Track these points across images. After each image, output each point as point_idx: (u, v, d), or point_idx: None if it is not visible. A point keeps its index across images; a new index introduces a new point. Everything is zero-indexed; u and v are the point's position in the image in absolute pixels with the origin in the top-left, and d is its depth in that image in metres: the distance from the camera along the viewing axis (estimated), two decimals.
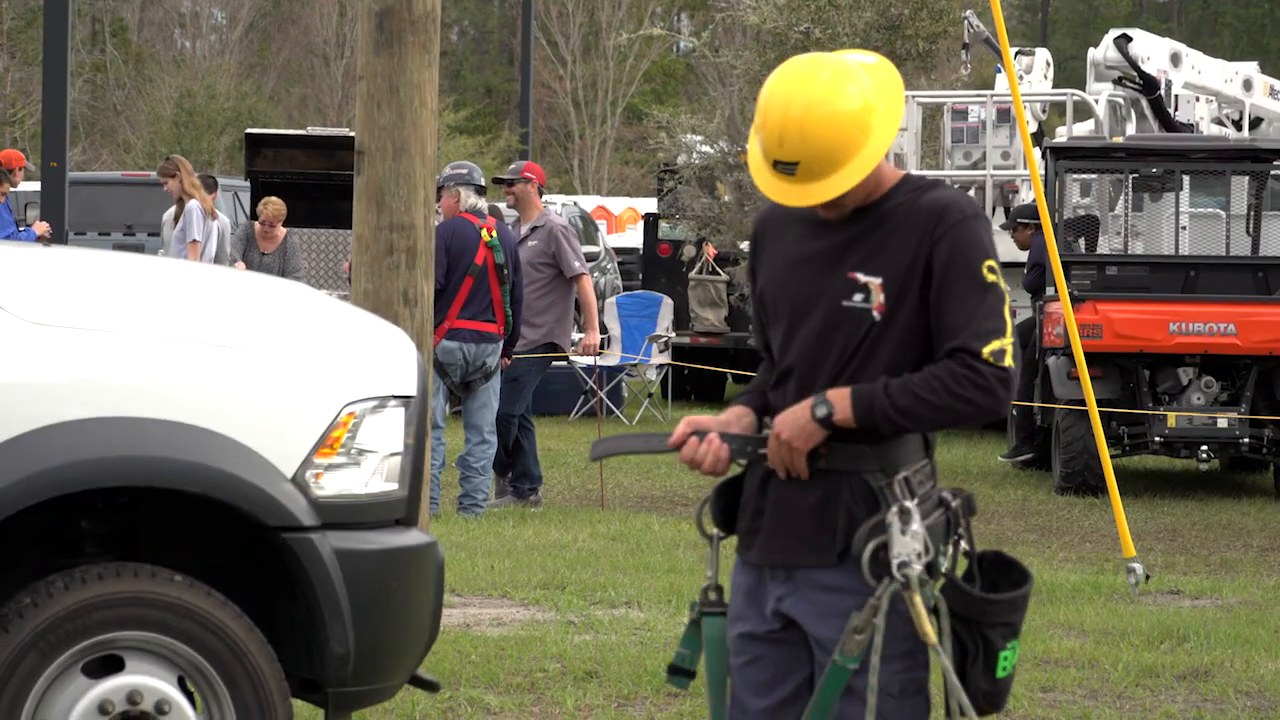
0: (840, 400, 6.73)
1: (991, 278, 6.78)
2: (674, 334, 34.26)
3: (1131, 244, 26.44)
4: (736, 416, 6.96)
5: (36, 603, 9.14)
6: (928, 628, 6.69)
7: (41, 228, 29.22)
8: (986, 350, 6.71)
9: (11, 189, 29.17)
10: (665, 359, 33.62)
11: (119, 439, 9.20)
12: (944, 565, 6.79)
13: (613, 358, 31.26)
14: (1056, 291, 19.52)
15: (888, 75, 6.88)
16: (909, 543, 6.70)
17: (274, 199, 28.83)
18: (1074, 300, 19.74)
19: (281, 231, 28.47)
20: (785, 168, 6.74)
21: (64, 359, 9.21)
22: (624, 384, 32.27)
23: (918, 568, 6.70)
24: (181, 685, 9.29)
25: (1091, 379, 18.38)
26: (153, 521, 9.63)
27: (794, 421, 6.76)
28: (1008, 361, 6.74)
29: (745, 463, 6.98)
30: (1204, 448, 23.90)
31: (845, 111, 6.68)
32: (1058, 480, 24.03)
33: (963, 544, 6.88)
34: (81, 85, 66.92)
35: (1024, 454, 26.18)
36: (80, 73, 64.96)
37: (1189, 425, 23.72)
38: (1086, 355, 18.47)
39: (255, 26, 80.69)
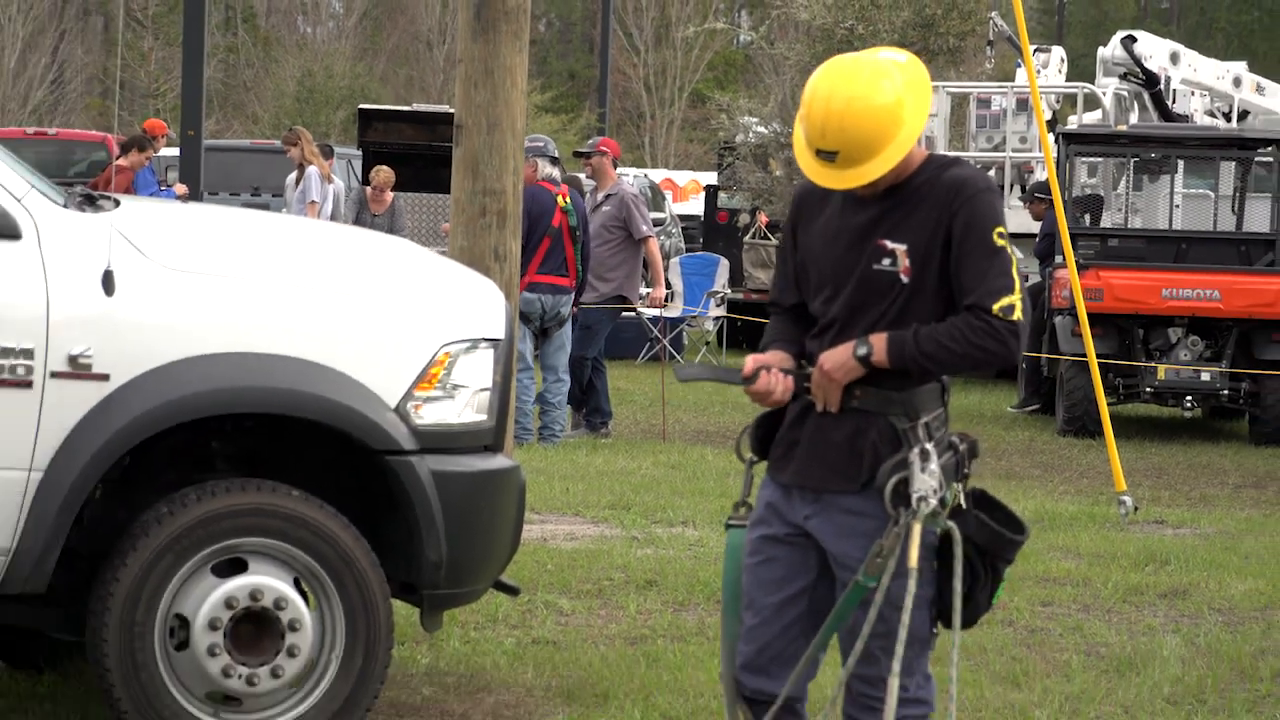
0: (878, 343, 6.82)
1: (1001, 243, 6.85)
2: (729, 290, 34.25)
3: (1131, 219, 26.46)
4: (780, 358, 7.02)
5: (172, 511, 9.20)
6: (914, 554, 6.76)
7: (180, 189, 29.25)
8: (997, 306, 6.79)
9: (155, 154, 29.21)
10: (721, 312, 33.67)
11: (246, 371, 9.24)
12: (951, 500, 6.84)
13: (675, 310, 31.28)
14: (1064, 259, 19.54)
15: (917, 72, 6.93)
16: (927, 480, 6.77)
17: (384, 167, 28.85)
18: (1079, 267, 19.70)
19: (390, 196, 28.49)
20: (827, 155, 6.80)
21: (199, 301, 9.24)
22: (685, 333, 32.28)
23: (933, 502, 6.76)
24: (297, 586, 9.35)
25: (1092, 336, 18.47)
26: (274, 444, 9.68)
27: (838, 358, 6.85)
28: (1016, 315, 6.82)
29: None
30: (1189, 398, 23.95)
31: (880, 106, 6.73)
32: (1060, 424, 24.02)
33: (965, 482, 6.93)
34: (215, 64, 66.88)
35: (1032, 405, 26.16)
36: (215, 53, 64.91)
37: (1176, 378, 23.75)
38: (1088, 315, 18.50)
39: (368, 15, 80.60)
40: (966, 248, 6.83)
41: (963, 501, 6.91)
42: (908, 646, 6.84)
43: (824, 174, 6.84)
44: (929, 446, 6.82)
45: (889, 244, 6.88)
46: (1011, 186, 31.11)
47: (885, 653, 6.86)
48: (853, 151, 6.76)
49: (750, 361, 7.02)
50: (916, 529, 6.76)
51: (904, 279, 6.88)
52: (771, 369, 6.97)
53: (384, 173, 28.56)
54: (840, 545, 6.93)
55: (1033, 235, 27.59)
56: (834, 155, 6.79)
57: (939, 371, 6.92)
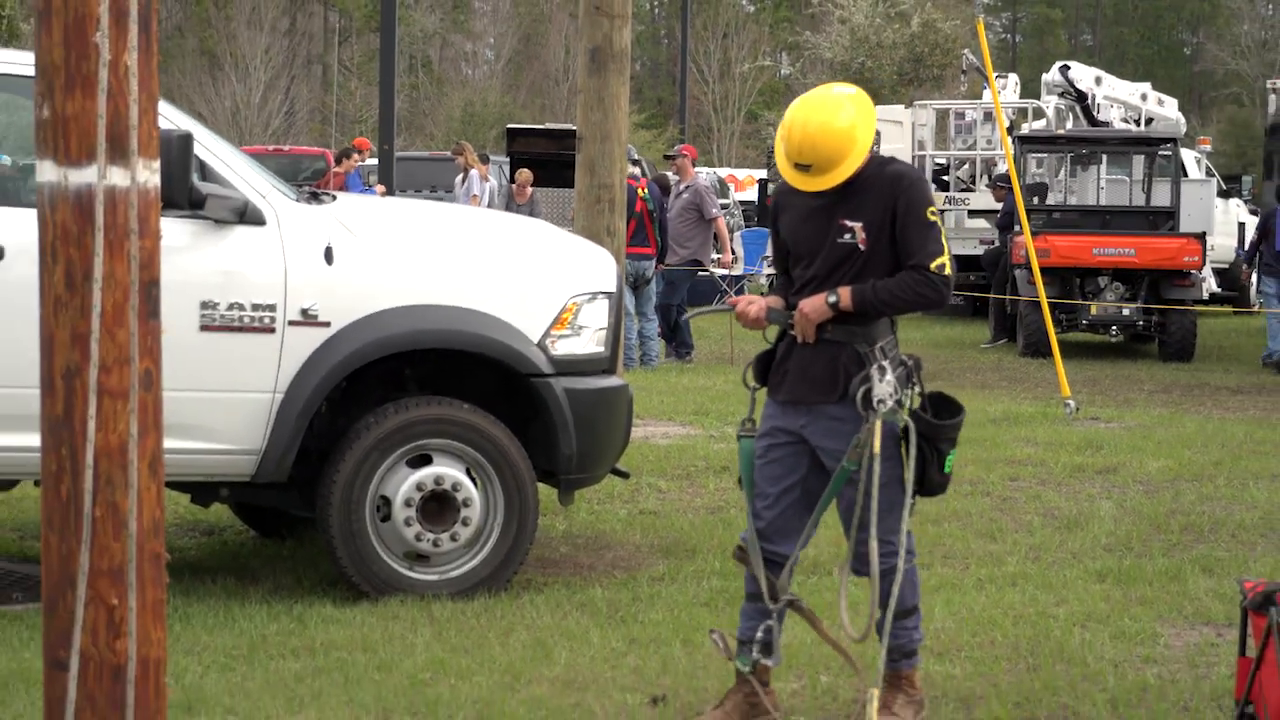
0: (845, 293, 6.87)
1: (933, 218, 6.93)
2: None
3: (1069, 198, 26.43)
4: (776, 300, 7.07)
5: (378, 421, 9.22)
6: (876, 442, 6.78)
7: (380, 188, 29.28)
8: (933, 264, 6.86)
9: (360, 163, 29.23)
10: (771, 270, 33.60)
11: (429, 318, 9.25)
12: (906, 403, 6.88)
13: (738, 270, 31.29)
14: (1021, 228, 19.54)
15: (864, 101, 7.00)
16: (884, 388, 6.82)
17: (525, 170, 28.88)
18: (1032, 233, 19.67)
19: (530, 190, 28.44)
20: (803, 167, 6.86)
21: (394, 267, 9.27)
22: (745, 286, 32.21)
23: (889, 403, 6.81)
24: (468, 473, 9.35)
25: (1043, 283, 18.57)
26: (450, 370, 9.66)
27: (814, 304, 6.90)
28: (947, 271, 6.89)
29: (779, 327, 7.09)
30: (1114, 327, 23.96)
31: (839, 130, 6.78)
32: (1020, 348, 23.96)
33: (917, 388, 6.95)
34: (403, 97, 67.03)
35: (1000, 339, 26.06)
36: (401, 89, 64.99)
37: (1104, 313, 23.74)
38: (1040, 269, 18.63)
39: (512, 61, 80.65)
40: (907, 222, 6.88)
41: (916, 402, 6.94)
42: (887, 512, 6.85)
43: (802, 180, 6.90)
44: (884, 364, 6.86)
45: (849, 222, 6.93)
46: (980, 176, 31.22)
47: (877, 520, 6.84)
48: (823, 164, 6.82)
49: (743, 300, 7.07)
50: (878, 424, 6.80)
51: (861, 248, 6.92)
52: (754, 301, 7.03)
53: (524, 173, 28.58)
54: (827, 442, 6.96)
55: (995, 212, 27.60)
56: (809, 167, 6.84)
57: (891, 314, 6.95)
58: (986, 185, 30.06)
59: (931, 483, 6.95)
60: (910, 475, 6.88)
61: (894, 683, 7.10)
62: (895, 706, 7.05)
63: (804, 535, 7.09)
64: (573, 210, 14.14)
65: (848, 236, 6.91)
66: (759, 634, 7.15)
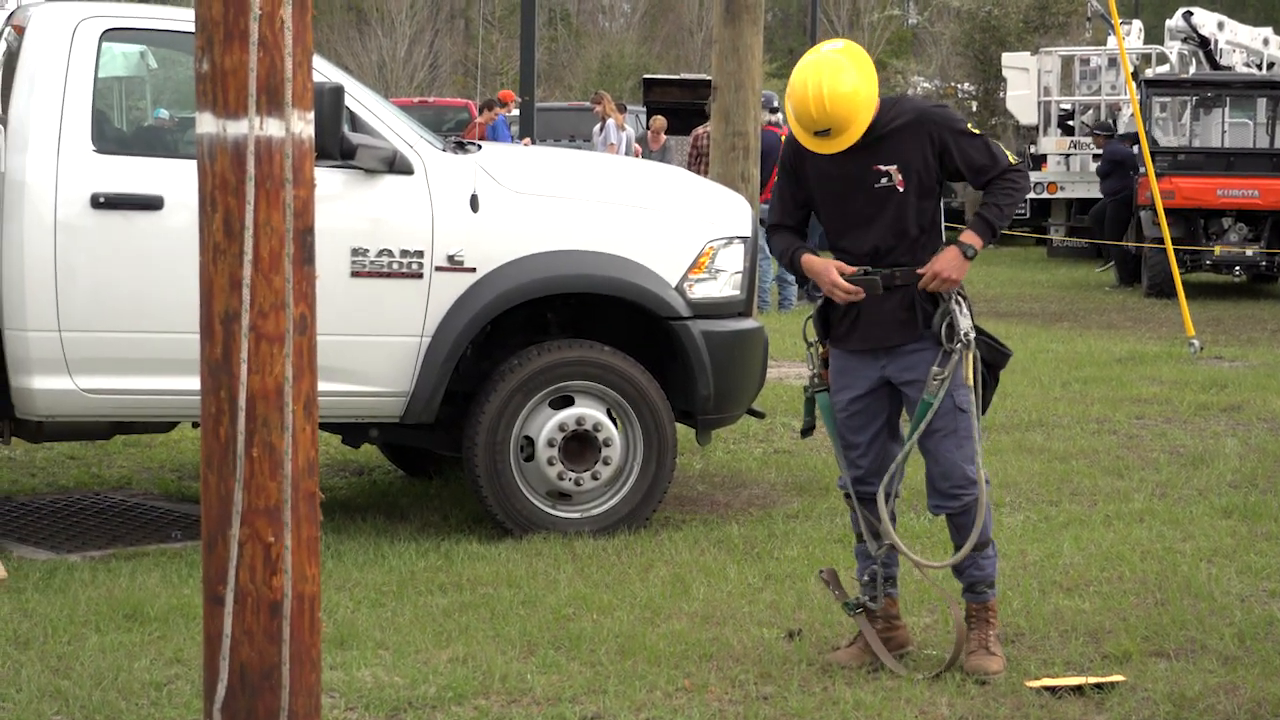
0: (973, 238, 6.84)
1: (975, 130, 6.93)
2: None
3: (1193, 141, 26.13)
4: (838, 265, 6.93)
5: (521, 364, 9.24)
6: (970, 374, 6.80)
7: (525, 141, 29.34)
8: (1012, 160, 6.87)
9: (505, 113, 29.25)
10: None
11: (571, 263, 9.25)
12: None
13: None
14: (1146, 170, 19.38)
15: (857, 53, 6.89)
16: (966, 320, 6.83)
17: (659, 117, 28.90)
18: (1157, 175, 19.45)
19: (664, 137, 28.40)
20: (822, 133, 6.76)
21: (537, 214, 9.28)
22: None
23: (973, 335, 6.81)
24: (609, 414, 9.35)
25: (1167, 224, 18.46)
26: (591, 314, 9.66)
27: (953, 263, 6.79)
28: (1014, 159, 6.89)
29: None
30: (1237, 268, 23.77)
31: (848, 91, 6.70)
32: (1145, 289, 23.76)
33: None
34: (542, 50, 66.98)
35: (1127, 283, 25.73)
36: (541, 42, 64.96)
37: (1228, 254, 23.59)
38: (1164, 210, 18.49)
39: (647, 13, 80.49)
40: (960, 146, 6.83)
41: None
42: (969, 440, 6.82)
43: (821, 144, 6.79)
44: (960, 297, 6.87)
45: (882, 167, 6.83)
46: (1104, 118, 30.93)
47: (958, 448, 6.82)
48: (841, 125, 6.72)
49: (824, 284, 6.93)
50: (969, 356, 6.79)
51: (900, 189, 6.83)
52: (828, 273, 6.88)
53: (659, 120, 28.58)
54: (912, 375, 6.87)
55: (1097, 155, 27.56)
56: (827, 131, 6.74)
57: (1009, 222, 6.95)
58: (1085, 134, 29.78)
59: (987, 405, 7.01)
60: (975, 395, 6.87)
61: (982, 616, 7.00)
62: (992, 645, 6.94)
63: (895, 473, 7.01)
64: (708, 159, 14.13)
65: (884, 180, 6.82)
66: (864, 576, 7.12)
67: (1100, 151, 27.64)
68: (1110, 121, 29.67)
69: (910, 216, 6.85)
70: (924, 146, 6.82)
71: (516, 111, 28.66)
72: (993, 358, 6.95)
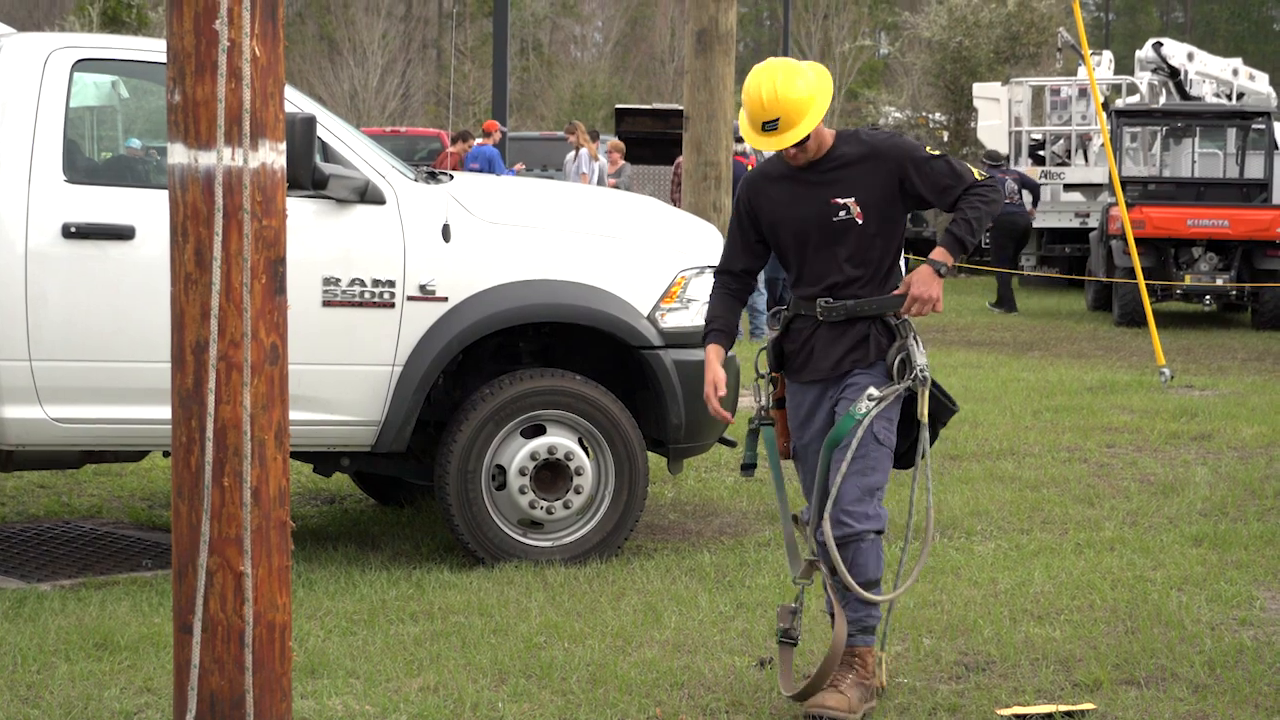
0: (944, 256, 6.74)
1: (937, 152, 6.87)
2: None
3: (1163, 171, 26.27)
4: (714, 377, 6.99)
5: (493, 393, 9.23)
6: (925, 409, 6.75)
7: (519, 166, 29.32)
8: (978, 176, 6.80)
9: (490, 143, 29.22)
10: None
11: (543, 293, 9.25)
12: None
13: None
14: (1116, 200, 19.46)
15: (821, 71, 6.85)
16: (921, 357, 6.77)
17: (615, 139, 29.09)
18: (1127, 205, 19.53)
19: (620, 160, 28.41)
20: (770, 125, 6.69)
21: (509, 244, 9.29)
22: None
23: (928, 373, 6.75)
24: (580, 443, 9.34)
25: (1138, 254, 18.49)
26: (563, 343, 9.66)
27: (928, 282, 6.71)
28: (981, 174, 6.81)
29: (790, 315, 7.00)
30: (1208, 297, 23.87)
31: (801, 86, 6.68)
32: (1116, 317, 23.84)
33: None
34: (514, 80, 67.13)
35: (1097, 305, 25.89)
36: (514, 72, 65.10)
37: (1198, 283, 23.70)
38: (1135, 239, 18.55)
39: (619, 43, 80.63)
40: (925, 171, 6.77)
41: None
42: (878, 474, 6.73)
43: (767, 141, 6.72)
44: (914, 333, 6.82)
45: (840, 200, 6.79)
46: (1075, 150, 31.08)
47: (862, 475, 6.70)
48: (789, 118, 6.67)
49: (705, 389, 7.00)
50: (925, 392, 6.75)
51: (859, 221, 6.78)
52: (709, 395, 6.96)
53: (614, 142, 28.76)
54: (845, 394, 6.79)
55: (1093, 186, 27.58)
56: (775, 123, 6.69)
57: (979, 237, 6.86)
58: (980, 162, 29.97)
59: (921, 456, 6.86)
60: (924, 431, 6.78)
61: (847, 660, 6.82)
62: (843, 686, 6.75)
63: (818, 491, 6.84)
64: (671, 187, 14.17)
65: (843, 214, 6.77)
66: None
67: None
68: (998, 151, 30.00)
69: (870, 249, 6.81)
70: (883, 179, 6.79)
71: (481, 141, 28.61)
72: (937, 410, 6.85)
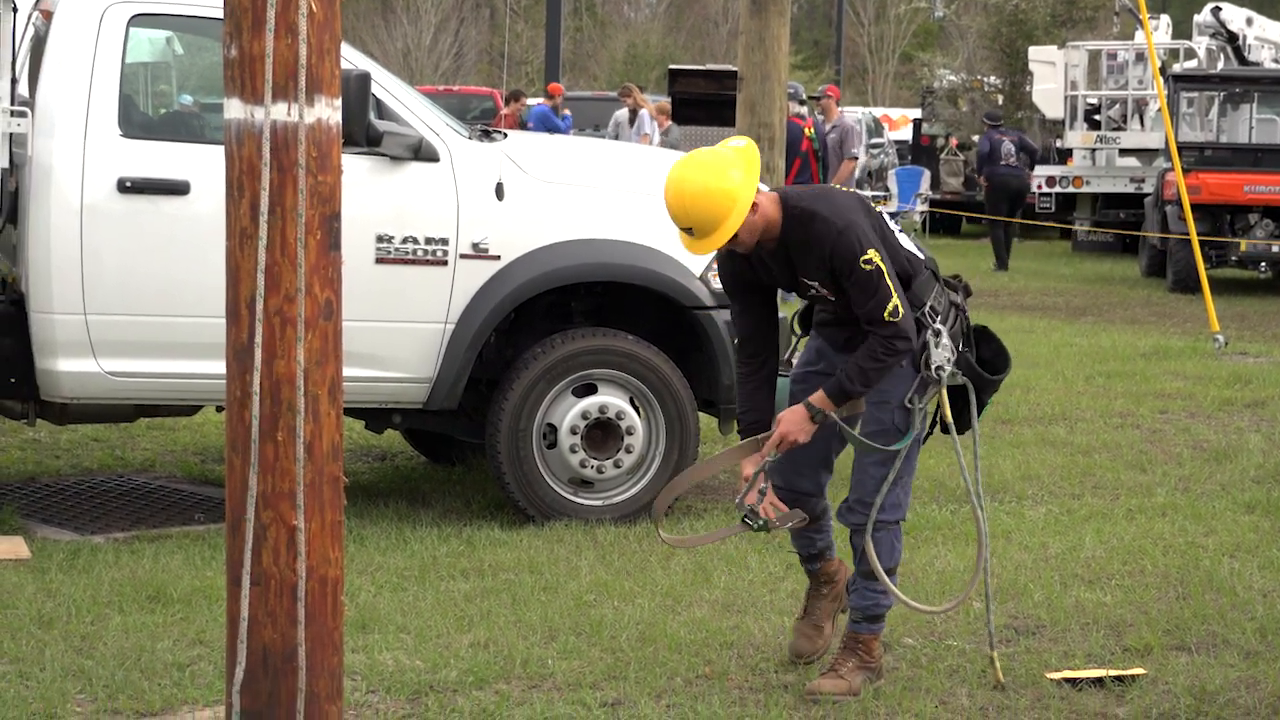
0: (824, 402, 6.47)
1: (867, 269, 6.42)
2: (930, 192, 34.16)
3: (1220, 136, 26.08)
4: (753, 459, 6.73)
5: (545, 352, 9.25)
6: (947, 411, 6.61)
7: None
8: (885, 315, 6.38)
9: (550, 104, 29.14)
10: (924, 207, 33.59)
11: (596, 252, 9.26)
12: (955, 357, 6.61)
13: (892, 207, 31.19)
14: (1172, 165, 19.36)
15: (750, 154, 6.53)
16: (941, 354, 6.54)
17: (663, 101, 28.98)
18: (1183, 170, 19.44)
19: (667, 120, 28.27)
20: (686, 231, 6.45)
21: (562, 202, 9.29)
22: (899, 223, 32.12)
23: (948, 369, 6.54)
24: (631, 403, 9.36)
25: (1193, 219, 18.45)
26: (615, 302, 9.65)
27: (796, 421, 6.51)
28: (901, 313, 6.39)
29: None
30: (1263, 264, 23.70)
31: (716, 190, 6.33)
32: (1170, 283, 23.70)
33: (961, 325, 6.68)
34: (567, 40, 67.02)
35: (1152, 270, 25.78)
36: (566, 31, 65.01)
37: (1254, 249, 23.54)
38: (1190, 205, 18.47)
39: (674, 3, 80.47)
40: (847, 285, 6.45)
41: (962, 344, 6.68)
42: (893, 466, 6.61)
43: (689, 244, 6.51)
44: (940, 327, 6.55)
45: (808, 280, 6.58)
46: (1130, 115, 30.89)
47: (878, 465, 6.61)
48: (702, 226, 6.38)
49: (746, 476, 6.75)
50: (944, 393, 6.60)
51: (831, 296, 6.58)
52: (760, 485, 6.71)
53: (661, 103, 28.65)
54: (874, 397, 6.59)
55: (1149, 150, 27.48)
56: (691, 230, 6.44)
57: (871, 386, 6.50)
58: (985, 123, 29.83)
59: (965, 427, 6.72)
60: (975, 420, 6.67)
61: (849, 644, 6.76)
62: (844, 670, 6.67)
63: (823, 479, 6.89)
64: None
65: (814, 291, 6.61)
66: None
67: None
68: (997, 111, 30.12)
69: (852, 310, 6.55)
70: (825, 267, 6.49)
71: (537, 100, 28.57)
72: (976, 380, 6.67)
